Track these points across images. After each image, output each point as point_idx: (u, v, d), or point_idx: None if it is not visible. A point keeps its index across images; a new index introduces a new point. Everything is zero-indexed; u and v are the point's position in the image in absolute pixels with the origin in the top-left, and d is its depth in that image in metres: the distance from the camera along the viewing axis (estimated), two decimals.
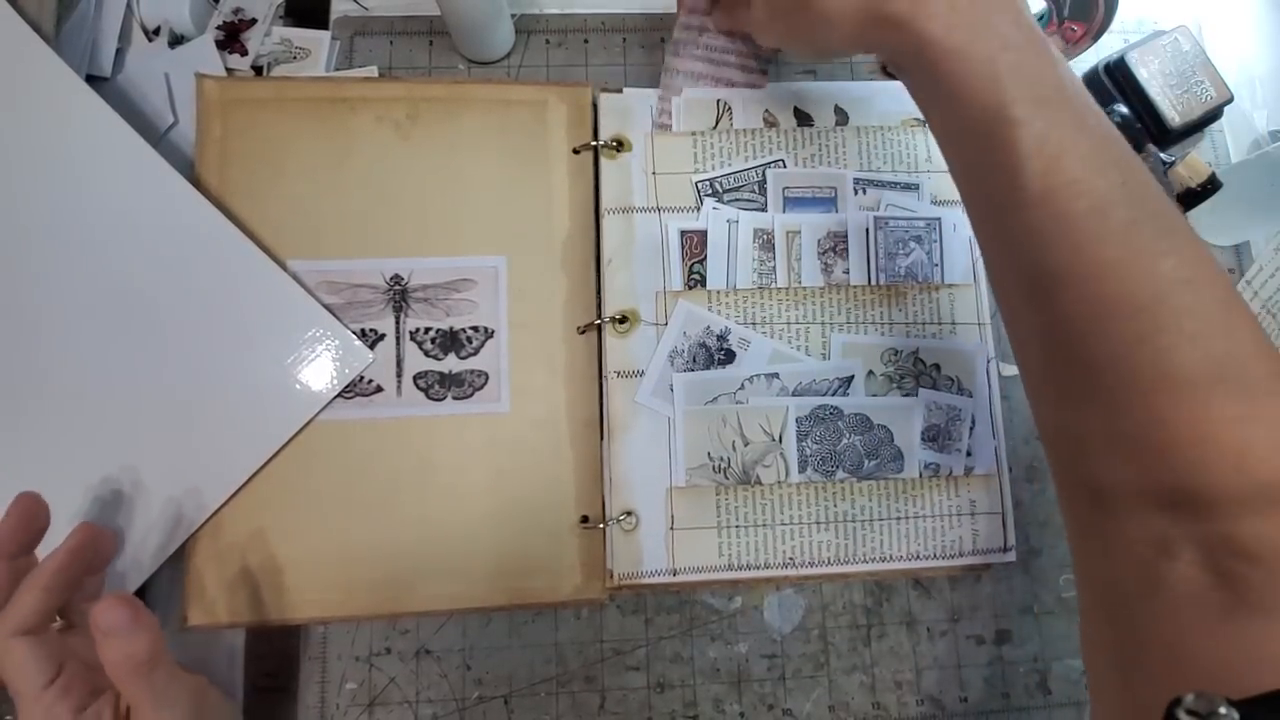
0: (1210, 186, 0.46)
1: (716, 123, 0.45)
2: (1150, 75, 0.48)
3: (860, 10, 0.33)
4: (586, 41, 0.49)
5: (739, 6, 0.41)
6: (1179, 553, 0.27)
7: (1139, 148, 0.48)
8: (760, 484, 0.42)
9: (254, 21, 0.46)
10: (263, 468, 0.40)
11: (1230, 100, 0.48)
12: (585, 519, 0.41)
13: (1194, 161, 0.47)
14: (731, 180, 0.44)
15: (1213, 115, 0.49)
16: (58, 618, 0.33)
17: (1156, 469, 0.28)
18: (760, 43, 0.41)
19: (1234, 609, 0.26)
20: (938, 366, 0.43)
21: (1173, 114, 0.48)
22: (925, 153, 0.46)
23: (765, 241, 0.44)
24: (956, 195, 0.45)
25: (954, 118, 0.32)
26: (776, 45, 0.41)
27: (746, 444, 0.42)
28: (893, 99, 0.47)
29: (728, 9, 0.42)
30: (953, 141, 0.34)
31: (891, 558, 0.42)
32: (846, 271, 0.44)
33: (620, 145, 0.44)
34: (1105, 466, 0.30)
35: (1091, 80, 0.50)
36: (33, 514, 0.33)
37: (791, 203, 0.45)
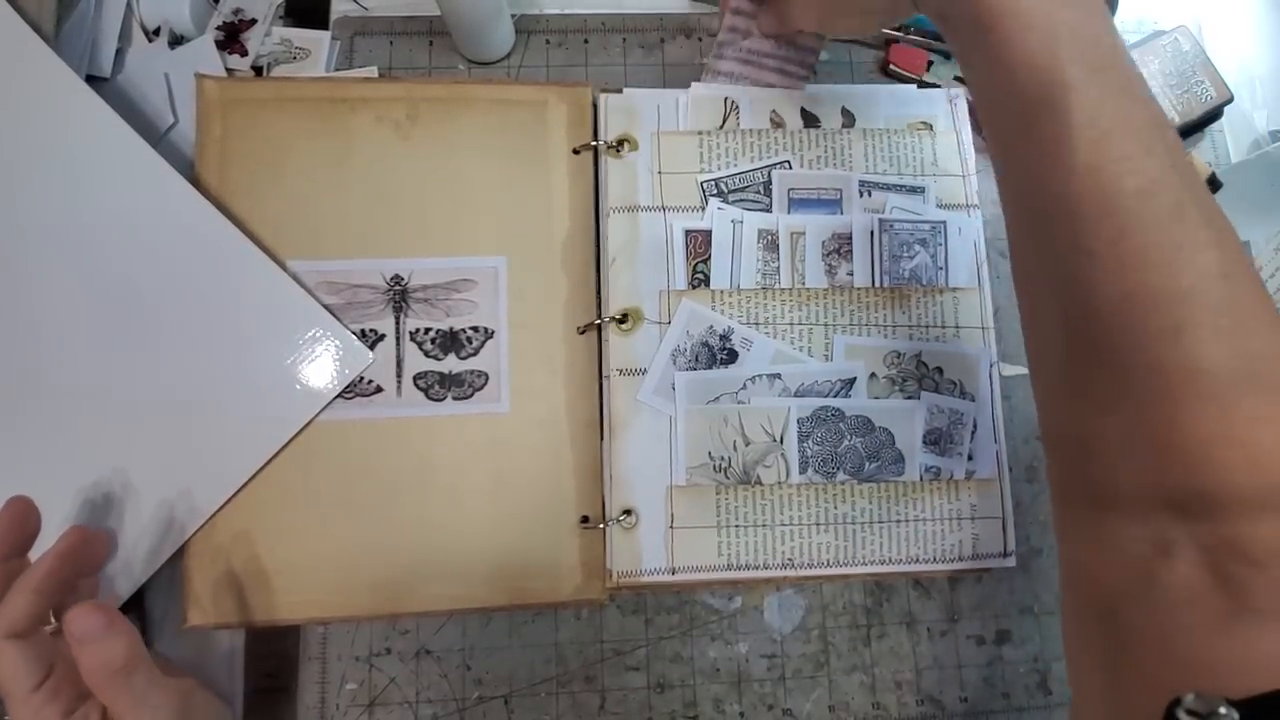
0: (1210, 187, 0.46)
1: (723, 123, 0.45)
2: (1150, 75, 0.48)
3: None
4: (586, 41, 0.49)
5: (783, 2, 0.40)
6: (1178, 553, 0.27)
7: None
8: (761, 484, 0.42)
9: (254, 21, 0.46)
10: (262, 468, 0.40)
11: (1230, 100, 0.48)
12: (585, 519, 0.41)
13: (1194, 161, 0.47)
14: (737, 181, 0.44)
15: (1213, 115, 0.49)
16: (52, 619, 0.33)
17: (1168, 468, 0.27)
18: (803, 25, 0.40)
19: (1232, 611, 0.25)
20: (940, 370, 0.43)
21: (1173, 114, 0.48)
22: (931, 156, 0.46)
23: (769, 242, 0.44)
24: (962, 199, 0.45)
25: (1001, 79, 0.30)
26: (819, 23, 0.39)
27: (748, 444, 0.42)
28: (899, 102, 0.47)
29: (773, 8, 0.41)
30: (997, 105, 0.31)
31: (891, 560, 0.42)
32: (850, 273, 0.44)
33: (622, 145, 0.44)
34: (1113, 469, 0.29)
35: None
36: (24, 518, 0.33)
37: (796, 204, 0.45)
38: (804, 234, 0.44)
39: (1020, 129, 0.30)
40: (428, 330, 0.42)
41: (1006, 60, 0.29)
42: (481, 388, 0.42)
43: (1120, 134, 0.27)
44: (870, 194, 0.45)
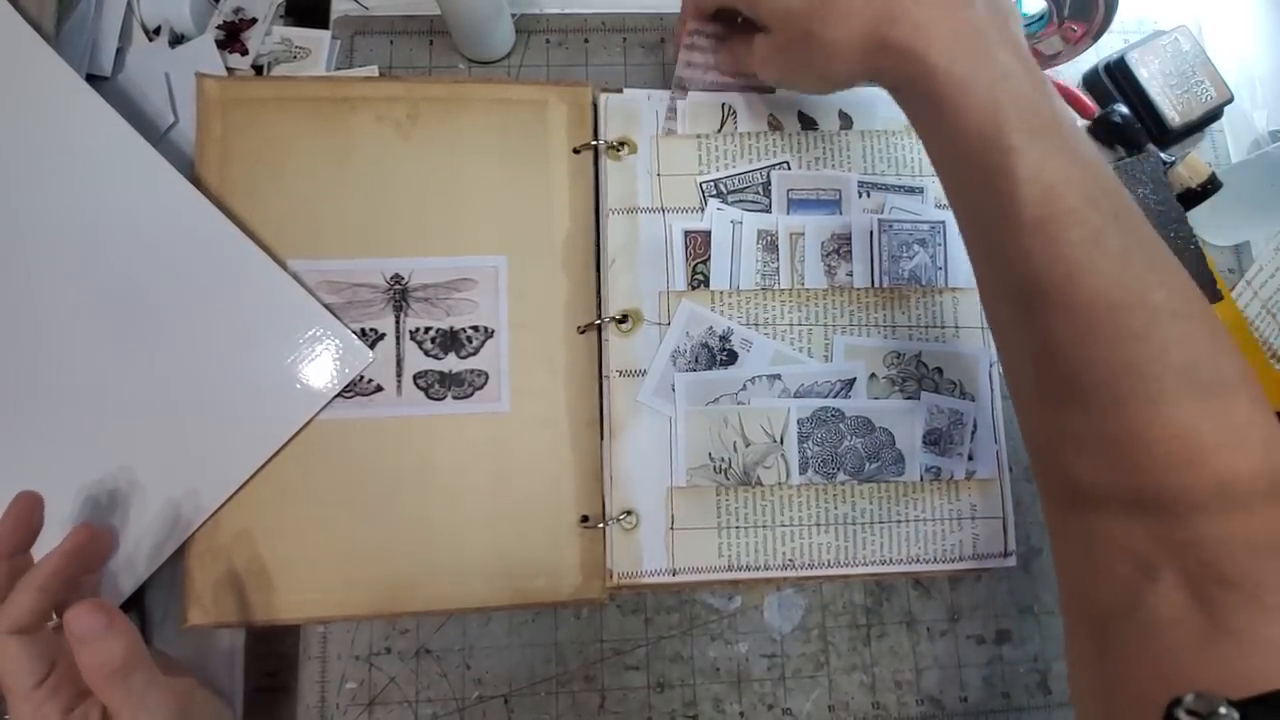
0: (1210, 186, 0.46)
1: (721, 125, 0.45)
2: (1150, 75, 0.48)
3: (863, 38, 0.33)
4: (586, 41, 0.49)
5: (741, 47, 0.41)
6: (1161, 576, 0.28)
7: (1139, 148, 0.48)
8: (761, 485, 0.42)
9: (254, 21, 0.46)
10: (262, 468, 0.40)
11: (1230, 100, 0.48)
12: (585, 519, 0.41)
13: (1194, 161, 0.47)
14: (736, 182, 0.44)
15: (1213, 115, 0.49)
16: (54, 615, 0.33)
17: (1131, 471, 0.29)
18: (763, 78, 0.41)
19: (1212, 632, 0.27)
20: (940, 370, 0.43)
21: (1173, 114, 0.48)
22: None
23: (769, 243, 0.44)
24: None
25: (952, 143, 0.33)
26: (779, 80, 0.41)
27: (748, 445, 0.42)
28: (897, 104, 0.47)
29: (732, 51, 0.43)
30: (950, 165, 0.35)
31: (891, 561, 0.42)
32: (850, 274, 0.44)
33: (622, 145, 0.44)
34: (1085, 466, 0.30)
35: (1091, 80, 0.50)
36: (30, 514, 0.33)
37: (796, 204, 0.45)
38: (803, 234, 0.44)
39: (972, 188, 0.33)
40: (428, 329, 0.42)
41: (956, 128, 0.32)
42: (481, 387, 0.42)
43: (1064, 190, 0.29)
44: (869, 194, 0.45)
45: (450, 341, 0.42)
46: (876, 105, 0.46)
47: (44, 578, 0.31)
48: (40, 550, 0.33)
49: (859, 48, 0.34)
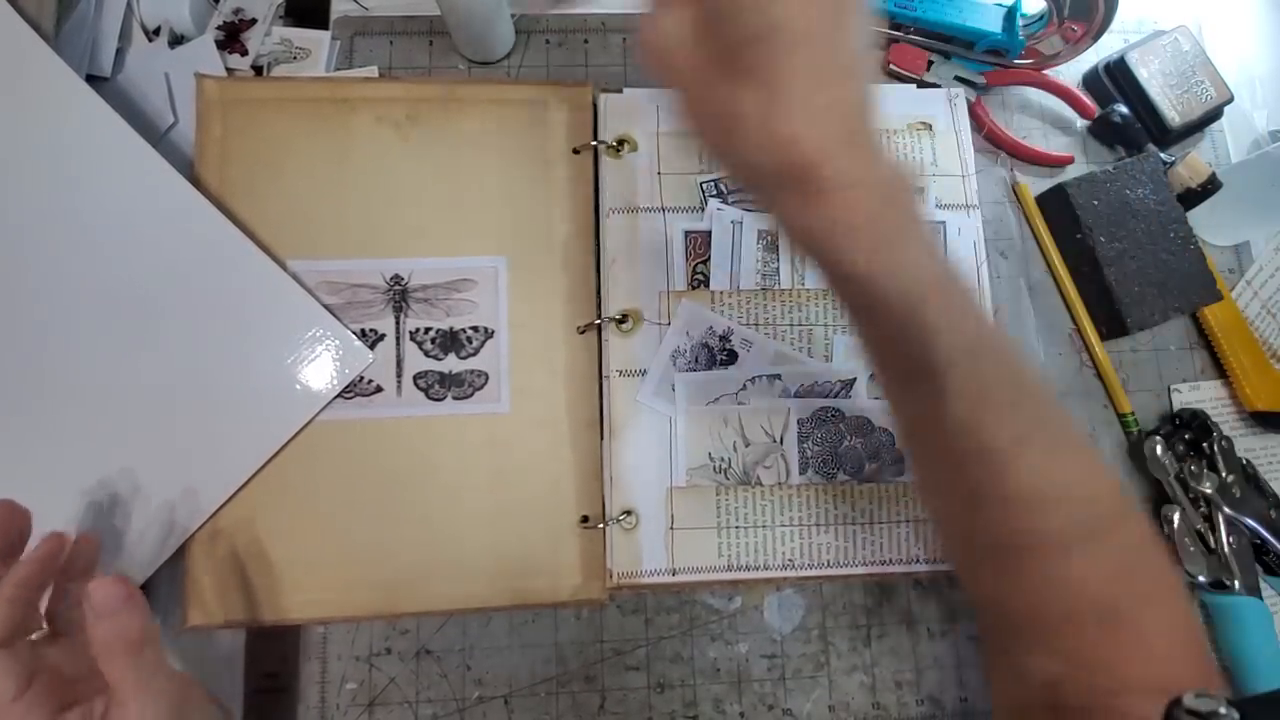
0: (1210, 186, 0.46)
1: None
2: (1150, 75, 0.48)
3: (773, 188, 0.26)
4: (586, 41, 0.49)
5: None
6: (1066, 687, 0.30)
7: (1139, 148, 0.48)
8: (761, 485, 0.42)
9: (254, 21, 0.46)
10: (263, 468, 0.40)
11: (1230, 100, 0.48)
12: (585, 519, 0.41)
13: (1194, 161, 0.47)
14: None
15: (1213, 115, 0.49)
16: (44, 624, 0.32)
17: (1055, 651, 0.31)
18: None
19: None
20: None
21: (1173, 114, 0.48)
22: (931, 156, 0.46)
23: (769, 243, 0.44)
24: (961, 199, 0.45)
25: (876, 341, 0.30)
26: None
27: (747, 445, 0.42)
28: (898, 102, 0.47)
29: None
30: (884, 362, 0.32)
31: (891, 561, 0.42)
32: None
33: (622, 145, 0.44)
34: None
35: (1091, 80, 0.50)
36: (9, 520, 0.33)
37: None
38: None
39: (904, 388, 0.32)
40: (428, 330, 0.42)
41: (878, 328, 0.29)
42: (481, 387, 0.42)
43: (989, 398, 0.29)
44: None
45: (450, 342, 0.42)
46: (879, 103, 0.46)
47: (10, 587, 0.31)
48: None
49: (769, 186, 0.26)
